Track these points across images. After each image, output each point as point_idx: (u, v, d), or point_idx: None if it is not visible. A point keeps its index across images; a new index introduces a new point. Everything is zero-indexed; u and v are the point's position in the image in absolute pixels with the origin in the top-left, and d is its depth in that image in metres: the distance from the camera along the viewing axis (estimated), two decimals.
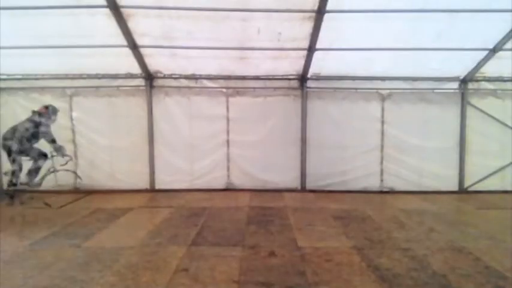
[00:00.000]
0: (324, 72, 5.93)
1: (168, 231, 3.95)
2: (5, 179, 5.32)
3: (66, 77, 5.90)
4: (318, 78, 6.02)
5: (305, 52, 5.34)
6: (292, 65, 5.76)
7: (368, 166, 6.19)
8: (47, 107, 5.35)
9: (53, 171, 5.43)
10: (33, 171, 5.28)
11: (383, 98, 6.10)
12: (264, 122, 6.16)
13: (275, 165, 6.20)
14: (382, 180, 6.21)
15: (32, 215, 4.66)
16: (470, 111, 6.09)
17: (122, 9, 4.56)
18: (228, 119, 6.15)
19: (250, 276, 2.81)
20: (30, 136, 5.12)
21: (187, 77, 6.02)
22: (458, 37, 5.03)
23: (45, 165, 5.38)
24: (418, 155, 6.12)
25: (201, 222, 4.32)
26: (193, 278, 2.79)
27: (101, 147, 6.11)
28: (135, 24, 4.84)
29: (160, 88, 6.07)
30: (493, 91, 6.05)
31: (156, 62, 5.74)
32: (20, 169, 5.18)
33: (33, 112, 5.24)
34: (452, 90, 6.07)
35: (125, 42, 5.10)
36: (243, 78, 6.01)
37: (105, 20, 4.65)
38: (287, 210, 4.89)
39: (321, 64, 5.66)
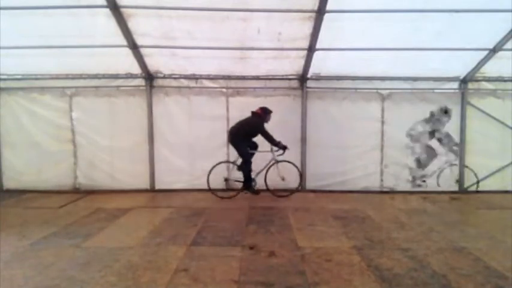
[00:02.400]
0: (324, 72, 5.93)
1: (168, 231, 3.95)
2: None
3: (66, 77, 5.90)
4: (318, 78, 6.02)
5: (305, 52, 5.34)
6: (292, 65, 5.76)
7: (368, 166, 6.20)
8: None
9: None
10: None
11: (383, 98, 6.10)
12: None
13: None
14: (382, 180, 6.21)
15: (32, 215, 4.65)
16: (470, 111, 6.09)
17: (122, 9, 4.57)
18: (228, 119, 6.14)
19: (250, 276, 2.81)
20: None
21: (187, 77, 6.02)
22: (458, 37, 5.04)
23: None
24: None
25: (201, 222, 4.32)
26: (193, 278, 2.79)
27: (101, 147, 6.11)
28: (135, 24, 4.84)
29: (160, 88, 6.07)
30: (493, 91, 6.06)
31: (156, 62, 5.74)
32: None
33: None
34: (453, 90, 6.08)
35: (124, 42, 5.10)
36: (243, 78, 6.02)
37: (105, 20, 4.65)
38: (287, 210, 4.89)
39: (321, 64, 5.66)
